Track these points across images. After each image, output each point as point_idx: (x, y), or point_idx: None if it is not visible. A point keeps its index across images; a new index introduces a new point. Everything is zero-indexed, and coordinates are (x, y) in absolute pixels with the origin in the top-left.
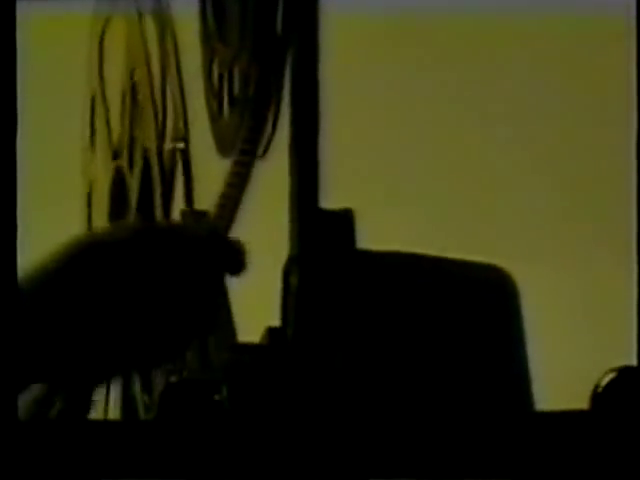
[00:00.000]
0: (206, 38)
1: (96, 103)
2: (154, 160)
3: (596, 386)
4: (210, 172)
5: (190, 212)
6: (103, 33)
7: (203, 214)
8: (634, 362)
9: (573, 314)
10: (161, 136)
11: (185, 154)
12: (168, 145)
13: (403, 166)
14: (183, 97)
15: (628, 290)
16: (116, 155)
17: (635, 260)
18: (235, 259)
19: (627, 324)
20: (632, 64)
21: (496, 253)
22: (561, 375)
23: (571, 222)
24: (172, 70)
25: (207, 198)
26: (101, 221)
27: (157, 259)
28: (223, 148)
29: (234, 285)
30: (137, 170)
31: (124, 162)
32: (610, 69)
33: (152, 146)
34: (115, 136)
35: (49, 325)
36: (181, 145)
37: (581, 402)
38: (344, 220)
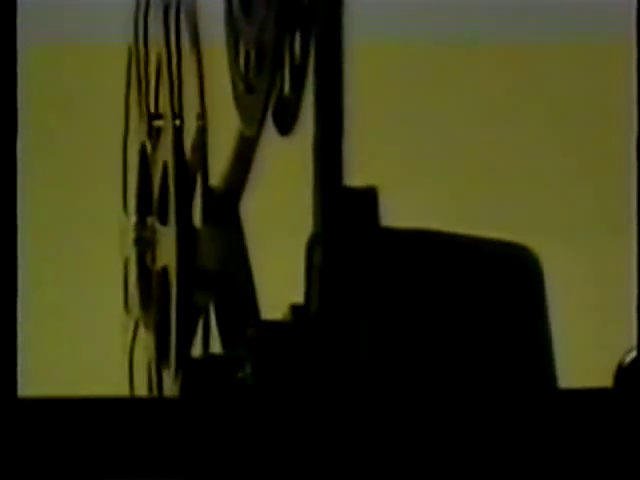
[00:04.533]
0: (231, 18)
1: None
2: (169, 137)
3: (620, 364)
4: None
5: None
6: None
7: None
8: None
9: (596, 291)
10: (176, 114)
11: (203, 131)
12: (185, 123)
13: (427, 143)
14: (201, 74)
15: None
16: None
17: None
18: None
19: None
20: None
21: (520, 230)
22: (585, 353)
23: (597, 196)
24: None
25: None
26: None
27: None
28: (250, 125)
29: (257, 262)
30: (154, 146)
31: (146, 139)
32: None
33: (168, 124)
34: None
35: None
36: (199, 122)
37: (605, 380)
38: (368, 197)
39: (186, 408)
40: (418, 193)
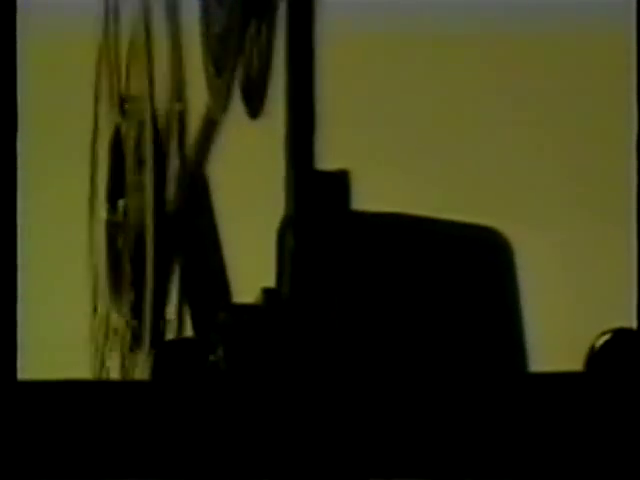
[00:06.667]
0: (204, 3)
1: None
2: (148, 121)
3: (591, 348)
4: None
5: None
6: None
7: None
8: (630, 323)
9: (569, 275)
10: (154, 96)
11: (181, 114)
12: (164, 106)
13: (399, 127)
14: (180, 59)
15: (624, 251)
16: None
17: (635, 221)
18: None
19: (622, 285)
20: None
21: (492, 214)
22: (557, 337)
23: (568, 182)
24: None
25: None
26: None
27: None
28: (220, 108)
29: (229, 246)
30: (133, 130)
31: (122, 121)
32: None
33: (146, 107)
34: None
35: None
36: (178, 106)
37: (576, 364)
38: (339, 181)
39: (158, 391)
40: (390, 177)
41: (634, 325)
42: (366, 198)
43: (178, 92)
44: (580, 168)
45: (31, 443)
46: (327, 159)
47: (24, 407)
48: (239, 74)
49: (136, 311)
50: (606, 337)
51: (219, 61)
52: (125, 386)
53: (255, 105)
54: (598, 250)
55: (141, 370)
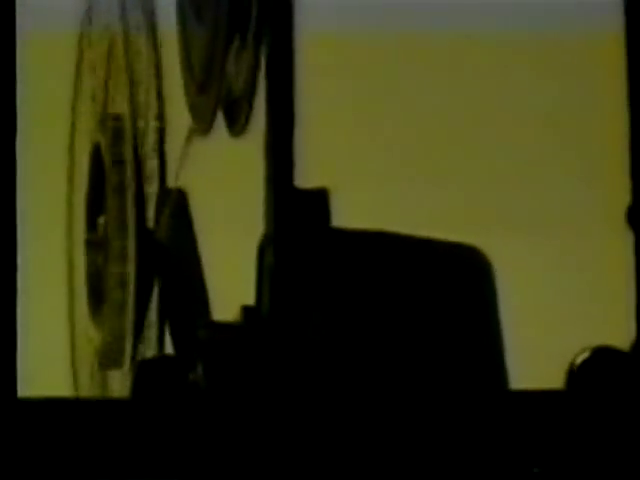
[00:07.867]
0: (183, 18)
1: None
2: (129, 138)
3: (571, 365)
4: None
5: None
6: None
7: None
8: (611, 340)
9: (548, 290)
10: (135, 114)
11: (160, 132)
12: (143, 123)
13: (379, 144)
14: (159, 75)
15: (601, 267)
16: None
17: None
18: None
19: (601, 301)
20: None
21: (474, 231)
22: (537, 354)
23: (551, 196)
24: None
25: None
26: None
27: None
28: (203, 128)
29: (209, 263)
30: (113, 148)
31: (101, 138)
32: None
33: (127, 124)
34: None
35: None
36: (157, 123)
37: (556, 381)
38: (319, 199)
39: (137, 409)
40: (370, 194)
41: (624, 343)
42: (346, 216)
43: (157, 109)
44: (571, 176)
45: (27, 459)
46: (307, 177)
47: (23, 424)
48: (222, 91)
49: (115, 328)
50: (585, 355)
51: (202, 79)
52: (104, 404)
53: (238, 123)
54: (585, 264)
55: (120, 387)
